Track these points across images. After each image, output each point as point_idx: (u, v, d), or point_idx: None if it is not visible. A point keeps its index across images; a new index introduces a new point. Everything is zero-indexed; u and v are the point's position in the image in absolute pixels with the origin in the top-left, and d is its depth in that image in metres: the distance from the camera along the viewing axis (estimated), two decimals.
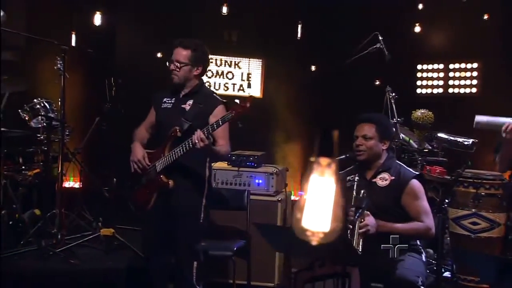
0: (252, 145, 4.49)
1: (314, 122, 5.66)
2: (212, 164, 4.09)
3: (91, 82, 5.49)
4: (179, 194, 3.18)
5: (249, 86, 5.90)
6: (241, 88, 6.33)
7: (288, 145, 5.84)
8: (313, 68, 5.95)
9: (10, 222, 4.11)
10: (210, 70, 6.38)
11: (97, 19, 5.39)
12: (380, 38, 4.09)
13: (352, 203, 2.72)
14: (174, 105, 3.24)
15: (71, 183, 5.42)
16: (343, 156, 2.98)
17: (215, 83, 6.31)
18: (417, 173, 2.96)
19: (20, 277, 3.63)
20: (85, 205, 4.64)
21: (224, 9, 5.45)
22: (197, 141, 2.94)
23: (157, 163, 3.18)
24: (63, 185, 4.15)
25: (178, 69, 3.19)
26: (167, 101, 3.28)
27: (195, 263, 3.23)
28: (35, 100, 4.24)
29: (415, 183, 2.84)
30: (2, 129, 3.99)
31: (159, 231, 3.26)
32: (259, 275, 3.89)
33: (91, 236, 4.12)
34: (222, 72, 6.29)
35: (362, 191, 2.72)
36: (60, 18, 5.70)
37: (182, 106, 3.22)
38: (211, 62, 6.37)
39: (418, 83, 6.00)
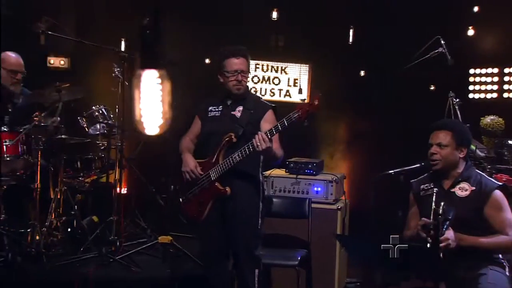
0: (299, 151, 4.44)
1: (363, 128, 5.56)
2: (269, 171, 4.07)
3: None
4: (236, 201, 3.15)
5: (300, 92, 5.83)
6: (288, 93, 6.27)
7: (336, 151, 5.74)
8: (362, 73, 5.85)
9: (69, 229, 4.15)
10: (256, 76, 6.37)
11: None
12: (442, 42, 3.97)
13: (432, 215, 2.61)
14: (223, 113, 3.22)
15: (124, 190, 5.45)
16: (417, 165, 2.88)
17: (261, 88, 6.27)
18: (500, 183, 2.83)
19: (83, 284, 3.64)
20: (138, 212, 4.66)
21: (274, 14, 5.40)
22: (259, 144, 2.91)
23: (211, 171, 3.15)
24: (118, 192, 4.17)
25: (245, 80, 3.18)
26: (213, 110, 3.26)
27: (256, 271, 3.18)
28: (93, 107, 4.27)
29: (498, 194, 2.72)
30: (63, 136, 4.04)
31: (217, 239, 3.22)
32: (319, 286, 3.81)
33: (149, 244, 4.12)
34: (269, 78, 6.24)
35: (442, 202, 2.60)
36: (109, 25, 5.77)
37: (232, 113, 3.20)
38: (258, 67, 6.39)
39: (471, 87, 5.83)
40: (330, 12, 5.69)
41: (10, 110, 3.92)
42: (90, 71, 5.86)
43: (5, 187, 3.87)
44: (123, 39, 5.61)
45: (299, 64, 6.02)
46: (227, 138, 3.09)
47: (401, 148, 5.05)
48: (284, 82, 6.28)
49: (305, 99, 3.77)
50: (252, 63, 6.44)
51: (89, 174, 4.34)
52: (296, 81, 6.28)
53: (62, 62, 5.98)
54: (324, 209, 3.92)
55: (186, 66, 5.53)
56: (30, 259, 3.73)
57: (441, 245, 2.54)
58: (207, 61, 5.80)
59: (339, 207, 3.92)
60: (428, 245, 2.57)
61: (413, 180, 2.98)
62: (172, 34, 5.82)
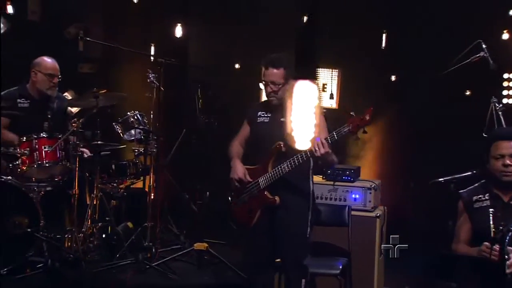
0: None
1: (393, 134, 5.48)
2: None
3: (172, 94, 5.51)
4: (285, 210, 3.10)
5: (331, 97, 5.77)
6: None
7: (367, 157, 5.67)
8: (393, 78, 5.77)
9: (104, 235, 4.15)
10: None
11: (178, 31, 5.42)
12: (483, 46, 3.88)
13: (492, 231, 2.49)
14: (271, 119, 3.18)
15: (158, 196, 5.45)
16: (469, 173, 2.80)
17: None
18: None
19: None
20: (171, 219, 4.65)
21: (305, 19, 5.36)
22: (317, 149, 2.85)
23: (261, 179, 3.11)
24: (152, 198, 4.16)
25: (276, 91, 3.13)
26: (262, 115, 3.23)
27: (303, 280, 3.13)
28: (128, 113, 4.27)
29: None
30: (99, 142, 4.04)
31: (265, 248, 3.17)
32: None
33: (185, 250, 4.10)
34: None
35: (499, 215, 2.49)
36: (138, 31, 5.79)
37: (282, 119, 3.13)
38: None
39: (504, 92, 5.72)
40: (362, 16, 5.64)
41: (49, 116, 3.93)
42: (120, 77, 5.90)
43: (42, 192, 3.88)
44: (152, 45, 5.63)
45: (329, 69, 5.98)
46: (276, 147, 3.04)
47: (435, 154, 4.97)
48: None
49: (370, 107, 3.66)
50: None
51: (123, 180, 4.33)
52: (325, 86, 6.24)
53: (91, 68, 6.03)
54: (363, 217, 3.83)
55: (216, 71, 5.52)
56: (68, 265, 3.73)
57: (508, 271, 2.41)
58: (237, 66, 5.80)
59: (377, 215, 3.85)
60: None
61: (463, 191, 2.88)
62: (203, 39, 5.84)
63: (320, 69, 6.10)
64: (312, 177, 3.16)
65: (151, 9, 5.83)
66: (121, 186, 4.39)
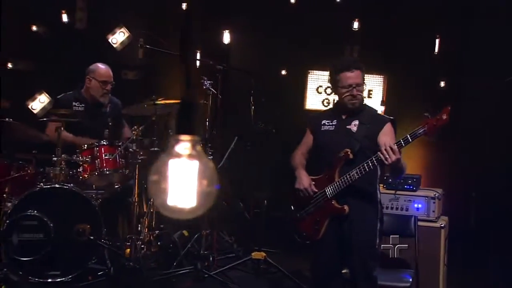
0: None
1: (443, 142, 5.36)
2: None
3: (224, 100, 5.49)
4: (353, 220, 3.02)
5: (382, 103, 5.68)
6: None
7: (418, 166, 5.55)
8: (442, 84, 5.66)
9: (159, 243, 4.13)
10: (329, 87, 6.27)
11: (226, 38, 5.41)
12: None
13: None
14: (337, 127, 3.10)
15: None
16: None
17: (334, 100, 6.16)
18: None
19: None
20: (223, 226, 4.61)
21: (356, 24, 5.30)
22: (387, 156, 2.77)
23: (327, 188, 3.03)
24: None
25: (360, 92, 3.07)
26: (327, 123, 3.14)
27: None
28: None
29: None
30: (155, 149, 4.03)
31: (332, 260, 3.10)
32: None
33: (243, 259, 4.05)
34: None
35: None
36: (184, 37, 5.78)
37: (347, 127, 3.07)
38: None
39: None
40: (409, 21, 5.55)
41: (110, 124, 3.94)
42: (165, 84, 5.90)
43: (100, 200, 3.88)
44: (198, 51, 5.62)
45: (374, 75, 5.90)
46: (343, 154, 2.99)
47: (493, 162, 4.83)
48: None
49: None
50: (326, 73, 6.41)
51: None
52: (371, 92, 6.16)
53: (135, 75, 6.05)
54: (426, 227, 3.74)
55: (262, 77, 5.48)
56: (127, 272, 3.71)
57: None
58: (283, 72, 5.75)
59: (442, 225, 3.75)
60: None
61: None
62: (247, 45, 5.81)
63: (365, 74, 6.04)
64: (379, 186, 3.11)
65: (195, 16, 5.83)
66: None
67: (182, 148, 1.28)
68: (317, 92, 6.24)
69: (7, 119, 3.59)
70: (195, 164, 1.29)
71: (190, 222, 4.39)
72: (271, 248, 4.33)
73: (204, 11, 5.78)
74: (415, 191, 3.88)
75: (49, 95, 5.39)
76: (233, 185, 4.59)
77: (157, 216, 4.12)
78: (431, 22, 5.26)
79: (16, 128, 3.64)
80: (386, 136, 2.95)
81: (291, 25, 5.76)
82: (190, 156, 1.28)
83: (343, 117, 3.11)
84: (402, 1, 5.37)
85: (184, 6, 5.38)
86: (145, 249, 3.93)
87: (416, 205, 3.83)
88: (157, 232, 4.06)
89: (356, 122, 3.06)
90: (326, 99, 6.18)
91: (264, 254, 3.98)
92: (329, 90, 6.20)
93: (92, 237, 3.53)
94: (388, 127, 3.03)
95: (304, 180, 3.09)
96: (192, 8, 5.62)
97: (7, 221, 3.36)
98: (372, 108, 3.18)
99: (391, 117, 3.12)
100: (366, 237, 3.02)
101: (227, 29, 5.40)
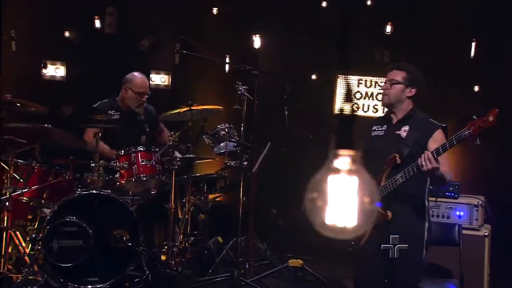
0: None
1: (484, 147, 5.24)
2: None
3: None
4: (398, 227, 2.91)
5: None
6: None
7: (455, 171, 5.44)
8: (476, 88, 5.55)
9: (194, 249, 4.10)
10: (359, 92, 6.22)
11: (256, 42, 5.38)
12: None
13: None
14: (387, 132, 3.06)
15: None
16: None
17: (363, 104, 6.10)
18: None
19: None
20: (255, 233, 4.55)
21: (388, 28, 5.23)
22: (424, 163, 2.71)
23: None
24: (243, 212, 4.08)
25: (389, 87, 3.02)
26: (377, 129, 3.11)
27: None
28: (218, 126, 4.22)
29: None
30: (191, 155, 4.00)
31: (376, 267, 3.01)
32: None
33: (280, 266, 3.99)
34: (372, 94, 6.07)
35: None
36: (211, 41, 5.77)
37: (397, 132, 3.02)
38: (361, 83, 6.23)
39: None
40: (444, 25, 5.46)
41: (147, 130, 3.92)
42: (194, 88, 5.89)
43: (135, 206, 3.86)
44: (227, 56, 5.60)
45: None
46: (392, 159, 2.92)
47: None
48: None
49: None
50: (355, 78, 6.37)
51: (212, 193, 4.28)
52: None
53: (163, 80, 6.05)
54: (469, 236, 3.65)
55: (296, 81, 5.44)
56: (165, 279, 3.69)
57: None
58: (313, 77, 5.70)
59: (486, 234, 3.65)
60: None
61: None
62: (275, 49, 5.77)
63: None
64: (429, 194, 3.03)
65: (224, 20, 5.82)
66: (209, 199, 4.34)
67: (341, 163, 1.23)
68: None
69: (46, 125, 3.59)
70: (354, 180, 1.24)
71: (224, 228, 4.37)
72: (306, 255, 4.27)
73: (233, 15, 5.79)
74: (456, 198, 3.79)
75: (80, 101, 5.41)
76: (266, 191, 4.55)
77: (192, 223, 4.10)
78: (467, 27, 5.17)
79: (55, 134, 3.64)
80: (435, 143, 2.88)
81: (320, 28, 5.71)
82: (350, 171, 1.23)
83: (394, 122, 3.06)
84: (437, 5, 5.28)
85: (215, 10, 5.38)
86: (180, 256, 3.90)
87: (458, 213, 3.74)
88: (192, 238, 4.03)
89: (406, 127, 3.00)
90: (356, 103, 6.11)
91: (301, 261, 3.92)
92: (358, 95, 6.17)
93: (130, 244, 3.51)
94: (438, 134, 2.96)
95: None
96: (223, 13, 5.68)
97: (47, 227, 3.35)
98: (424, 114, 3.10)
99: (443, 124, 3.05)
100: (411, 247, 2.90)
101: (257, 33, 5.37)
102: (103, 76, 5.26)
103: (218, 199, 4.58)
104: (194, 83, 5.93)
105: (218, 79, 5.71)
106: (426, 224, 2.99)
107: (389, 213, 2.93)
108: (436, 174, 2.80)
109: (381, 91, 3.09)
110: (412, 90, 3.04)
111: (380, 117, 3.22)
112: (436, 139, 2.93)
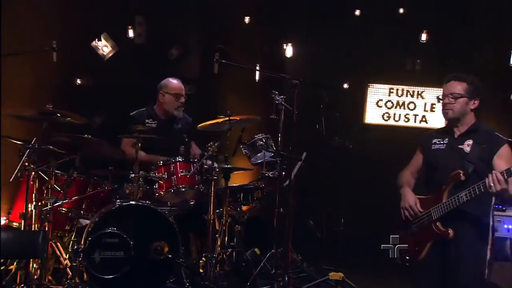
0: None
1: None
2: None
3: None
4: (460, 245, 2.82)
5: None
6: (424, 119, 5.98)
7: None
8: None
9: (232, 261, 4.02)
10: (390, 101, 6.13)
11: (288, 51, 5.34)
12: None
13: None
14: (449, 146, 2.94)
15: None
16: None
17: (394, 114, 6.02)
18: None
19: None
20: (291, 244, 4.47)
21: (423, 36, 5.16)
22: (492, 184, 2.61)
23: (433, 209, 2.87)
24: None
25: (453, 102, 2.92)
26: (438, 142, 2.98)
27: None
28: (255, 136, 4.17)
29: None
30: (229, 166, 3.95)
31: (433, 285, 2.92)
32: None
33: (320, 279, 3.91)
34: (403, 103, 5.99)
35: None
36: (240, 50, 5.74)
37: (460, 146, 2.90)
38: (392, 92, 6.14)
39: None
40: (476, 34, 5.38)
41: (186, 140, 3.89)
42: (222, 97, 5.85)
43: (172, 217, 3.81)
44: (257, 65, 5.55)
45: (438, 88, 5.72)
46: (455, 176, 2.82)
47: None
48: (420, 107, 5.98)
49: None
50: (386, 87, 6.28)
51: (249, 203, 4.22)
52: (434, 106, 5.97)
53: (190, 88, 6.02)
54: None
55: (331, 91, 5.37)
56: None
57: None
58: (345, 86, 5.64)
59: None
60: None
61: None
62: (307, 57, 5.72)
63: (428, 88, 5.89)
64: (493, 212, 2.91)
65: (256, 29, 5.79)
66: (244, 210, 4.28)
67: None
68: (377, 106, 6.11)
69: (85, 135, 3.57)
70: None
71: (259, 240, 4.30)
72: (345, 268, 4.18)
73: (265, 24, 5.76)
74: (504, 211, 3.68)
75: (111, 110, 5.40)
76: (303, 203, 4.47)
77: (228, 234, 4.04)
78: (506, 34, 5.08)
79: (94, 144, 3.62)
80: (501, 160, 2.76)
81: (351, 37, 5.66)
82: None
83: (456, 136, 2.94)
84: (474, 13, 5.20)
85: (247, 19, 5.35)
86: (218, 268, 3.84)
87: (506, 226, 3.63)
88: (229, 250, 3.96)
89: (470, 142, 2.88)
90: (387, 113, 6.04)
91: (342, 274, 3.83)
92: (389, 104, 6.08)
93: (170, 256, 3.45)
94: (504, 150, 2.83)
95: (410, 198, 2.95)
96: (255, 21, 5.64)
97: (89, 239, 3.31)
98: (489, 127, 2.99)
99: (510, 139, 2.91)
100: (472, 265, 2.82)
101: (289, 42, 5.33)
102: (133, 85, 5.25)
103: (252, 210, 4.51)
104: (223, 92, 5.91)
105: (247, 88, 5.67)
106: (489, 245, 2.86)
107: (451, 231, 2.83)
108: (505, 195, 2.70)
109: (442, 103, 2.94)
110: (475, 102, 2.93)
111: (440, 129, 3.08)
112: (502, 156, 2.80)
